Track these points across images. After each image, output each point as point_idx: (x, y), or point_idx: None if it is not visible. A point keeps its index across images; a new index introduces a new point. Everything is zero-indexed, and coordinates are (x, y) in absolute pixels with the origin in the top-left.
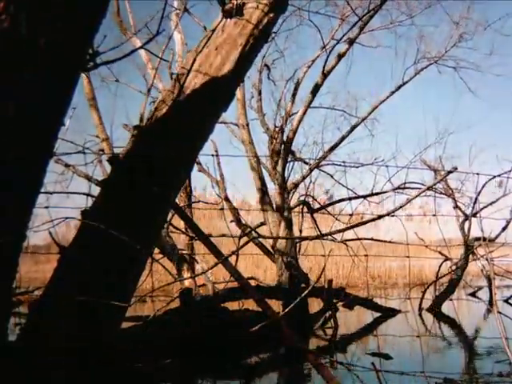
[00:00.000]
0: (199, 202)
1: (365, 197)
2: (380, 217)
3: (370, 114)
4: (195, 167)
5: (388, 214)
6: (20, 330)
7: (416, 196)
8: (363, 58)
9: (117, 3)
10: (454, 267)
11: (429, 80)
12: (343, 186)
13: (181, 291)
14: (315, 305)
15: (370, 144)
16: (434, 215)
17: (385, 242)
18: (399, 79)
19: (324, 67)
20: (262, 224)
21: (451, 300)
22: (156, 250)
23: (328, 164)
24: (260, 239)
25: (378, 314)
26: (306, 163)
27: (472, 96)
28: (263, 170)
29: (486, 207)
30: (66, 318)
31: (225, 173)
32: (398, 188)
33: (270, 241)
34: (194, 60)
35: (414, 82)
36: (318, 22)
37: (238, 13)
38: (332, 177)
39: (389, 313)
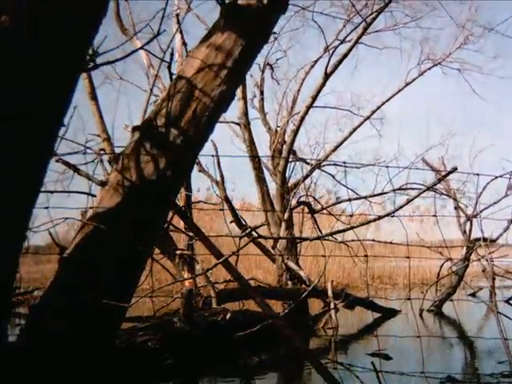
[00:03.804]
0: (199, 202)
1: (366, 197)
2: (381, 217)
3: (373, 114)
4: (195, 167)
5: (388, 215)
6: (20, 331)
7: (416, 196)
8: (367, 58)
9: (117, 3)
10: (454, 268)
11: (433, 81)
12: (344, 186)
13: (181, 293)
14: (316, 305)
15: (377, 144)
16: (435, 216)
17: (385, 242)
18: (403, 80)
19: (327, 67)
20: (263, 224)
21: (452, 300)
22: (156, 250)
23: (329, 164)
24: (260, 239)
25: (379, 315)
26: (308, 163)
27: (476, 98)
28: (264, 170)
29: (487, 208)
30: (67, 318)
31: (225, 172)
32: (399, 189)
33: (271, 241)
34: (194, 60)
35: (417, 84)
36: (322, 23)
37: (238, 13)
38: (333, 177)
39: (389, 313)
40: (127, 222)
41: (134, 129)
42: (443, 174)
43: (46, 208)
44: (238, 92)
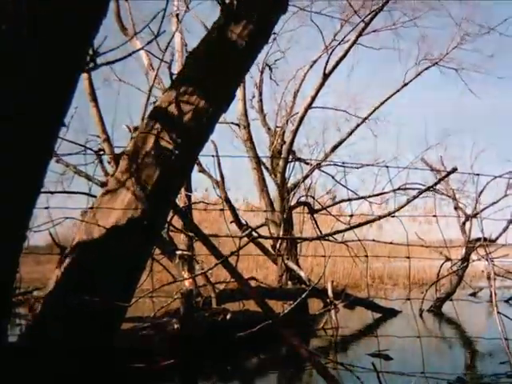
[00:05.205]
0: (200, 202)
1: (365, 197)
2: (380, 217)
3: (371, 114)
4: (195, 168)
5: (388, 215)
6: (20, 331)
7: (416, 196)
8: (365, 59)
9: (117, 3)
10: (454, 268)
11: (430, 81)
12: (344, 186)
13: (181, 293)
14: (315, 305)
15: (375, 144)
16: (435, 216)
17: (385, 242)
18: (401, 80)
19: (325, 68)
20: (263, 225)
21: (452, 300)
22: (156, 250)
23: (329, 165)
24: (260, 240)
25: (379, 315)
26: (307, 163)
27: (473, 97)
28: (264, 171)
29: (486, 208)
30: (67, 319)
31: (225, 173)
32: (399, 189)
33: (271, 241)
34: (194, 60)
35: (415, 83)
36: (320, 23)
37: (238, 13)
38: (333, 177)
39: (389, 313)
40: (127, 223)
41: (135, 129)
42: (443, 174)
43: (47, 208)
44: (238, 93)
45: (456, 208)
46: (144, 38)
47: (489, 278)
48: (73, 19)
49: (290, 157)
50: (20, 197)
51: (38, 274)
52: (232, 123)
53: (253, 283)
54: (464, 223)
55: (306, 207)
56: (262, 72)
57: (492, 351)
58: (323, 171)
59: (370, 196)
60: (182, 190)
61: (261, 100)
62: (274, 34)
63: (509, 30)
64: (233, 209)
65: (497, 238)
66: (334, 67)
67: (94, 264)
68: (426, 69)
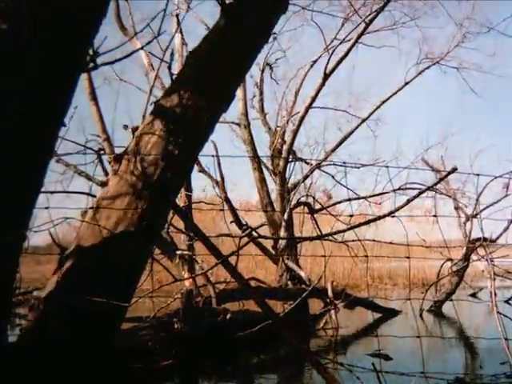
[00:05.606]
0: (200, 202)
1: (365, 197)
2: (380, 217)
3: (372, 114)
4: (195, 167)
5: (388, 215)
6: (21, 331)
7: (416, 196)
8: (366, 58)
9: (117, 4)
10: (454, 268)
11: (431, 80)
12: (344, 186)
13: (181, 293)
14: (316, 305)
15: (373, 145)
16: (435, 216)
17: (385, 242)
18: (402, 79)
19: (326, 67)
20: (263, 224)
21: (452, 301)
22: (156, 250)
23: (329, 164)
24: (261, 239)
25: (379, 315)
26: (307, 163)
27: (474, 96)
28: (264, 170)
29: (486, 208)
30: (67, 319)
31: (225, 173)
32: (399, 189)
33: (271, 241)
34: (194, 60)
35: (416, 83)
36: (321, 22)
37: (238, 13)
38: (333, 177)
39: (389, 313)
40: (127, 223)
41: (134, 130)
42: (443, 173)
43: (47, 208)
44: (238, 92)
45: (456, 208)
46: (145, 38)
47: (490, 277)
48: (73, 19)
49: (291, 157)
50: (20, 197)
51: (37, 273)
52: (232, 123)
53: (253, 283)
54: (464, 223)
55: (306, 207)
56: (262, 71)
57: (492, 351)
58: (323, 171)
59: (370, 196)
60: (182, 189)
61: (261, 100)
62: (275, 33)
63: (508, 28)
64: (233, 209)
65: (497, 238)
66: (335, 67)
67: (95, 264)
68: (427, 68)
